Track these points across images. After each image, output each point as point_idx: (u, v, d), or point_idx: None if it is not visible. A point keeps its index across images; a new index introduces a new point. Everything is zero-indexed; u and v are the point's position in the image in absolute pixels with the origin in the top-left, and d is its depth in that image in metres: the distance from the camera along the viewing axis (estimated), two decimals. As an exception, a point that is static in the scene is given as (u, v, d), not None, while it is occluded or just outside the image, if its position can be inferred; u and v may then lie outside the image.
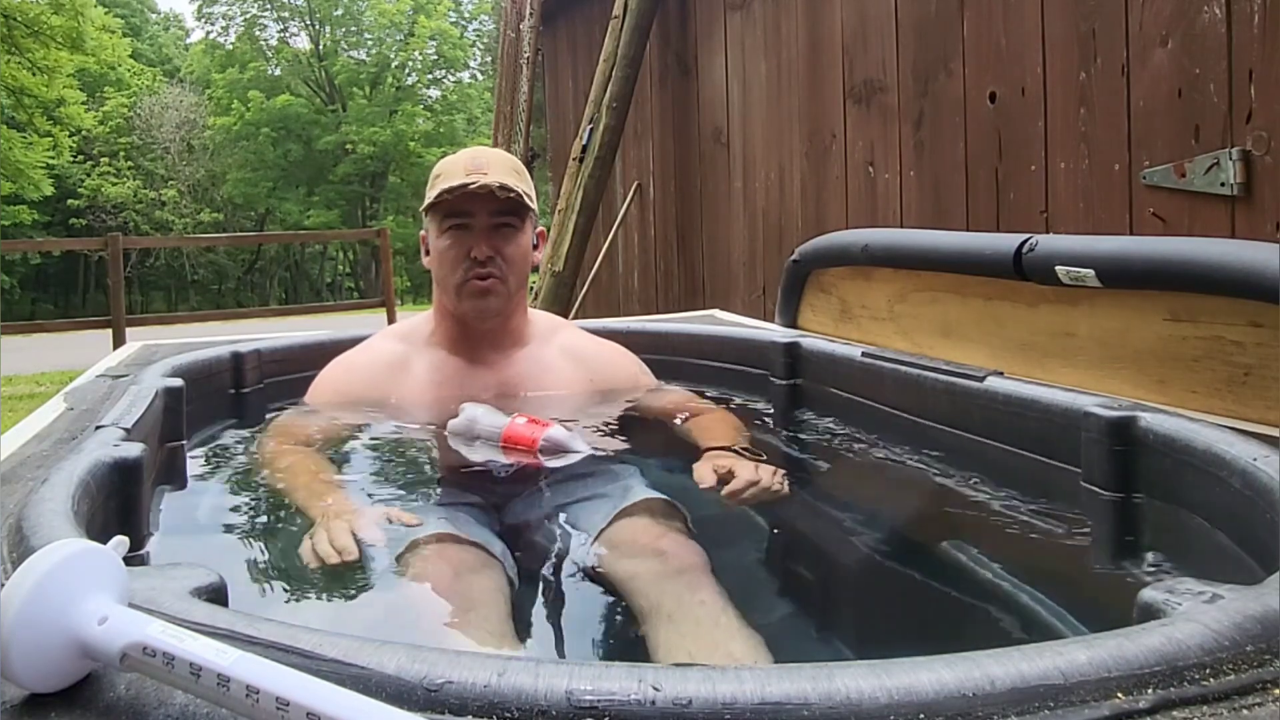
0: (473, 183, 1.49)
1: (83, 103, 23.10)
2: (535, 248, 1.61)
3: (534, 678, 0.52)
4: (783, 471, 1.28)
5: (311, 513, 1.20)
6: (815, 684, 0.51)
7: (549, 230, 5.33)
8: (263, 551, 1.26)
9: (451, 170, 1.55)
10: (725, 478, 1.25)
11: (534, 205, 1.57)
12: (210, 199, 27.71)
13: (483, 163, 1.54)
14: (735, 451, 1.36)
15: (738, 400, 1.86)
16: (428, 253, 1.62)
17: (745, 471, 1.25)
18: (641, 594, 1.04)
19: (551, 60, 7.24)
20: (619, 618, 1.06)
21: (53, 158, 22.55)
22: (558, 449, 1.34)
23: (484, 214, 1.52)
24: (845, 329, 2.09)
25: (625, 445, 1.49)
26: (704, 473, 1.28)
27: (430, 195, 1.55)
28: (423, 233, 1.63)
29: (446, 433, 1.45)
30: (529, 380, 1.60)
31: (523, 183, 1.56)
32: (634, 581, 1.07)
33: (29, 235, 23.04)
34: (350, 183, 28.65)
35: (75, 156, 24.70)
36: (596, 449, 1.36)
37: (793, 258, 2.25)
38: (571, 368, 1.64)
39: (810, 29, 3.98)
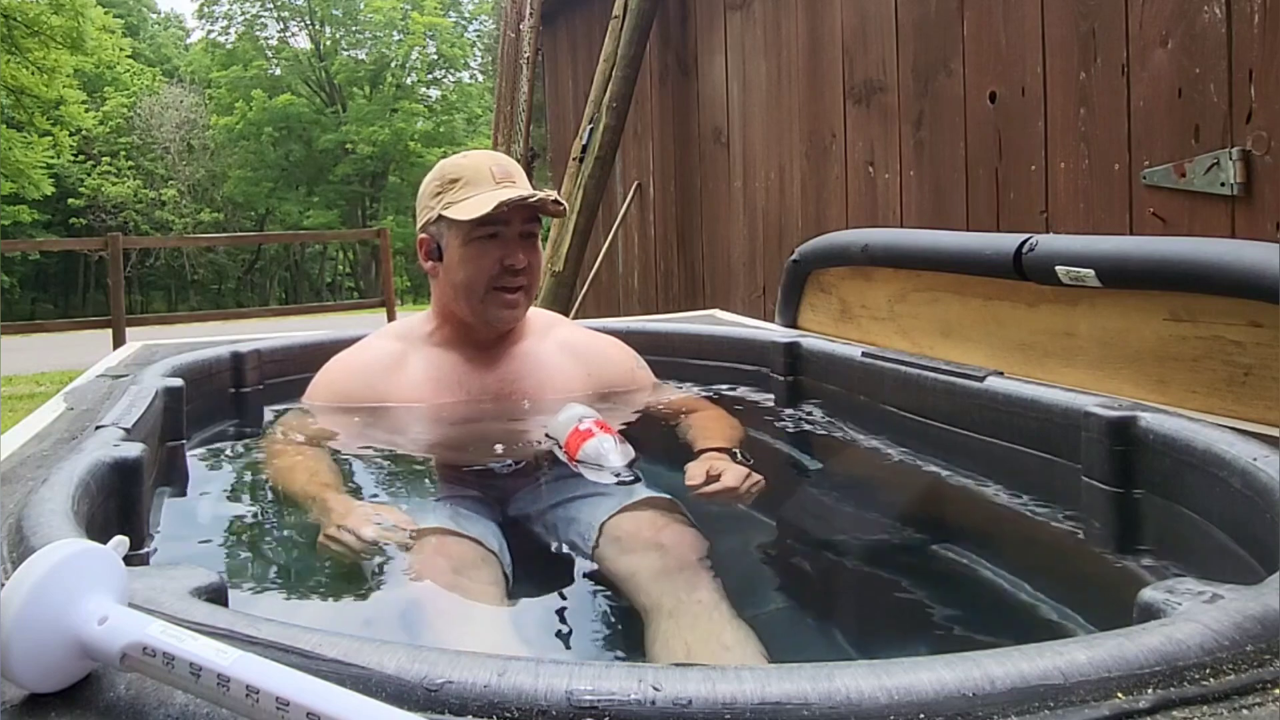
0: (531, 195, 1.48)
1: (83, 103, 23.09)
2: None
3: (534, 678, 0.52)
4: (760, 479, 1.27)
5: (313, 513, 1.20)
6: (815, 684, 0.51)
7: (549, 230, 5.34)
8: (263, 551, 1.26)
9: (475, 176, 1.52)
10: (712, 479, 1.25)
11: None
12: (210, 199, 27.71)
13: (508, 169, 1.54)
14: (730, 454, 1.35)
15: (738, 400, 1.86)
16: (429, 257, 1.59)
17: (729, 478, 1.25)
18: (642, 591, 1.05)
19: (551, 60, 7.24)
20: (619, 613, 1.07)
21: (53, 157, 22.55)
22: (593, 462, 1.31)
23: (518, 221, 1.52)
24: (845, 329, 2.09)
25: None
26: (696, 471, 1.28)
27: (459, 203, 1.50)
28: (422, 236, 1.60)
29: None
30: (526, 377, 1.60)
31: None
32: (637, 578, 1.08)
33: (29, 235, 23.03)
34: (350, 183, 28.64)
35: (75, 156, 24.69)
36: (633, 469, 1.28)
37: (793, 258, 2.25)
38: (568, 363, 1.64)
39: (810, 29, 3.98)
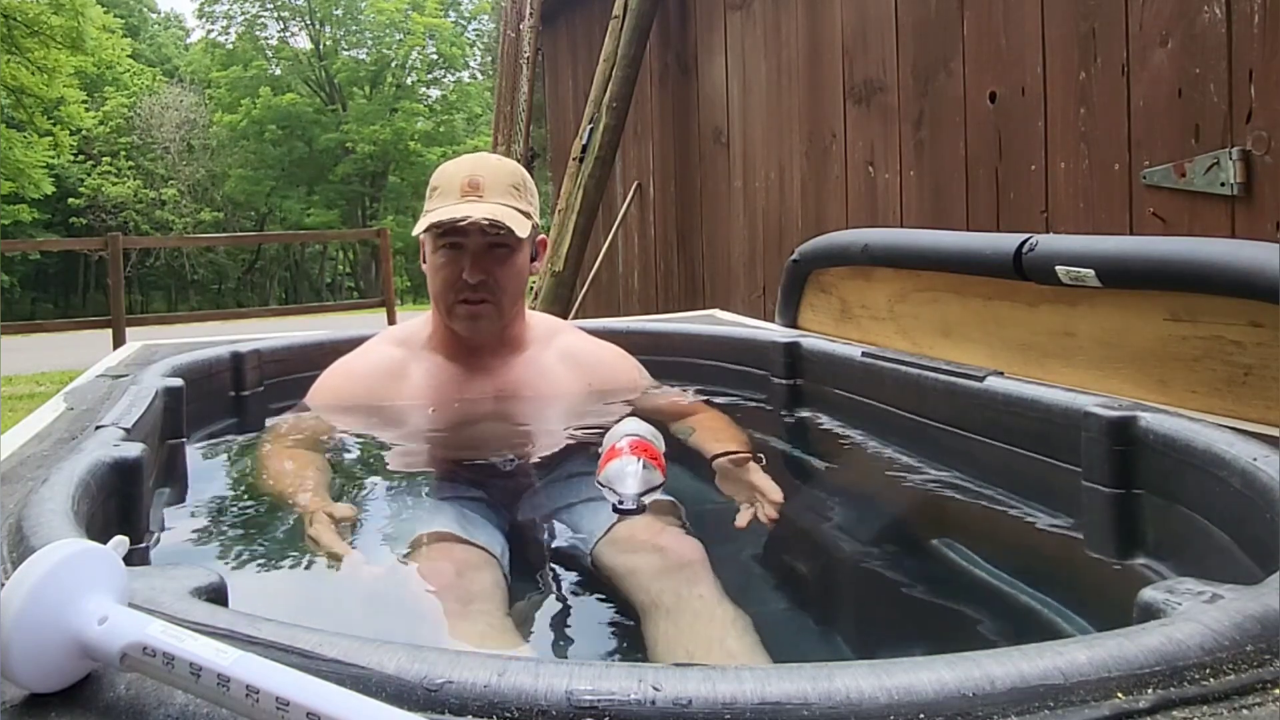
0: (463, 218, 1.45)
1: (83, 102, 23.11)
2: (535, 259, 1.58)
3: (534, 678, 0.52)
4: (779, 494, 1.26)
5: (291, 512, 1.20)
6: (815, 684, 0.51)
7: (550, 231, 5.33)
8: (263, 551, 1.26)
9: (448, 186, 1.51)
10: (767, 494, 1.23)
11: (534, 218, 1.54)
12: (210, 199, 27.72)
13: (480, 181, 1.49)
14: (754, 459, 1.34)
15: (738, 400, 1.86)
16: (425, 260, 1.60)
17: (773, 493, 1.22)
18: (641, 589, 1.05)
19: (551, 60, 7.24)
20: (620, 615, 1.07)
21: (53, 157, 22.56)
22: (607, 485, 1.23)
23: (477, 234, 1.48)
24: (845, 329, 2.09)
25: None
26: (744, 517, 1.22)
27: (424, 215, 1.51)
28: (421, 237, 1.62)
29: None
30: (527, 385, 1.60)
31: (522, 199, 1.52)
32: (633, 577, 1.08)
33: (29, 234, 23.03)
34: (350, 182, 28.65)
35: (75, 156, 24.71)
36: (641, 499, 1.19)
37: (793, 258, 2.25)
38: (569, 372, 1.64)
39: (810, 29, 3.98)
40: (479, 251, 1.49)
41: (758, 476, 1.28)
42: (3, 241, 16.69)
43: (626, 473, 1.19)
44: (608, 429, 1.55)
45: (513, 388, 1.59)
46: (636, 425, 1.31)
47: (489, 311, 1.53)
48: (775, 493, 1.24)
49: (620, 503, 1.14)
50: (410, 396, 1.58)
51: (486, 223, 1.45)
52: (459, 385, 1.58)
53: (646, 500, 1.15)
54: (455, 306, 1.52)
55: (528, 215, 1.52)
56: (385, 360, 1.62)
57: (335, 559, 1.07)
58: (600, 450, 1.32)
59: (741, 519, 1.21)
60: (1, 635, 0.56)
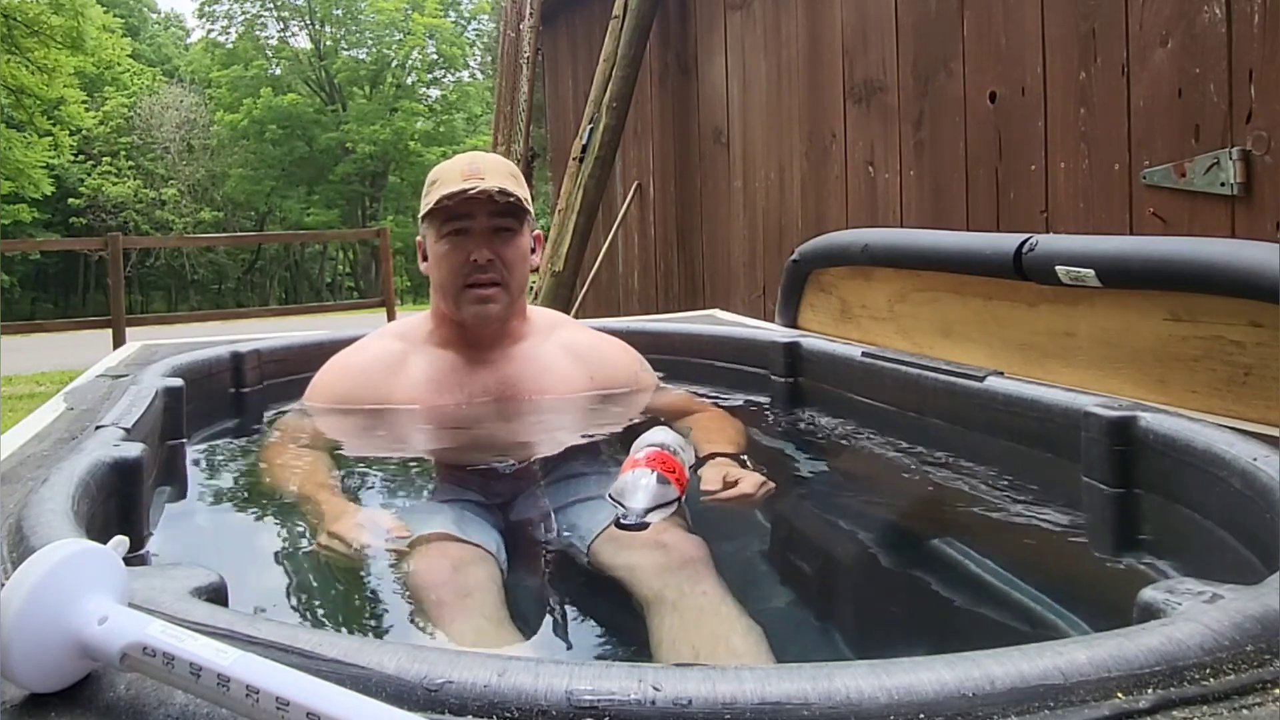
0: (471, 188, 1.48)
1: (83, 102, 23.13)
2: (533, 251, 1.60)
3: (534, 677, 0.52)
4: (772, 485, 1.26)
5: (309, 515, 1.20)
6: (815, 684, 0.51)
7: (549, 230, 5.34)
8: (263, 551, 1.26)
9: (449, 176, 1.54)
10: (728, 486, 1.24)
11: (531, 209, 1.56)
12: (210, 199, 27.73)
13: (479, 167, 1.53)
14: (739, 461, 1.35)
15: (738, 400, 1.86)
16: (424, 258, 1.61)
17: (745, 484, 1.24)
18: (644, 584, 1.05)
19: (551, 60, 7.24)
20: (619, 612, 1.06)
21: (53, 157, 22.59)
22: (615, 497, 1.18)
23: (483, 216, 1.51)
24: (845, 329, 2.09)
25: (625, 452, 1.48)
26: (711, 477, 1.26)
27: (428, 201, 1.54)
28: (419, 238, 1.62)
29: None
30: (528, 379, 1.60)
31: (520, 187, 1.55)
32: (636, 572, 1.08)
33: (29, 234, 23.02)
34: (350, 182, 28.65)
35: (75, 156, 24.72)
36: (646, 516, 1.13)
37: (793, 258, 2.25)
38: (571, 365, 1.64)
39: (810, 29, 3.98)
40: (485, 232, 1.52)
41: (738, 471, 1.27)
42: (3, 241, 16.66)
43: (638, 486, 1.14)
44: (609, 426, 1.56)
45: (513, 381, 1.59)
46: (662, 435, 1.24)
47: (498, 295, 1.54)
48: (749, 485, 1.23)
49: (624, 517, 1.10)
50: (409, 391, 1.58)
51: (496, 190, 1.48)
52: (459, 379, 1.58)
53: (655, 517, 1.11)
54: (464, 292, 1.53)
55: (527, 200, 1.55)
56: (384, 355, 1.61)
57: (359, 558, 1.08)
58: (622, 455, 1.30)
59: (710, 480, 1.24)
60: (1, 635, 0.56)
